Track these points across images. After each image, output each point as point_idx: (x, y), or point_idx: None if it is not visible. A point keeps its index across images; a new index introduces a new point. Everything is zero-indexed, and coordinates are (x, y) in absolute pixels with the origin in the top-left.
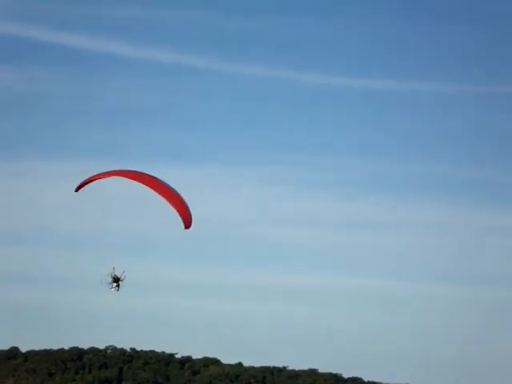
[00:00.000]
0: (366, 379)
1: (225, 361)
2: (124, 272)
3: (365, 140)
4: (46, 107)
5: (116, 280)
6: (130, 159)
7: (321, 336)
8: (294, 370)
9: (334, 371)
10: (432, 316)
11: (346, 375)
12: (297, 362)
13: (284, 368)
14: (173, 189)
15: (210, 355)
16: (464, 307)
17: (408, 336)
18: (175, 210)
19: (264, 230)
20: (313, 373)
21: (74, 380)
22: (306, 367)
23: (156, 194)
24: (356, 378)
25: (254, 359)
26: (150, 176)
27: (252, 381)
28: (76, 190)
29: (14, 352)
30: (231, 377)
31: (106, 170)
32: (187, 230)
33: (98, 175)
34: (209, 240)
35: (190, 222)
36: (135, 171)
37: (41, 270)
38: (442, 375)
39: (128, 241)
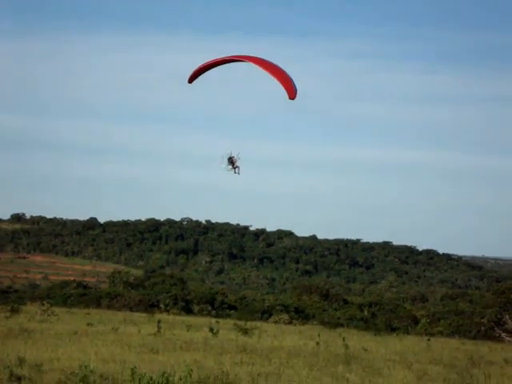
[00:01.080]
0: (440, 251)
1: (299, 234)
2: (239, 153)
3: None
4: None
5: (232, 162)
6: (198, 31)
7: (395, 210)
8: (368, 243)
9: (409, 244)
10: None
11: (420, 248)
12: (371, 235)
13: (358, 240)
14: (273, 62)
15: (285, 228)
16: None
17: (484, 211)
18: (279, 82)
19: (344, 105)
20: (387, 245)
21: (151, 250)
22: (380, 240)
23: (260, 69)
24: (430, 250)
25: (327, 233)
26: (246, 55)
27: (326, 253)
28: (189, 82)
29: (92, 223)
30: (305, 249)
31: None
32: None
33: (204, 65)
34: (288, 116)
35: (295, 92)
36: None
37: (121, 144)
38: None
39: (209, 116)
